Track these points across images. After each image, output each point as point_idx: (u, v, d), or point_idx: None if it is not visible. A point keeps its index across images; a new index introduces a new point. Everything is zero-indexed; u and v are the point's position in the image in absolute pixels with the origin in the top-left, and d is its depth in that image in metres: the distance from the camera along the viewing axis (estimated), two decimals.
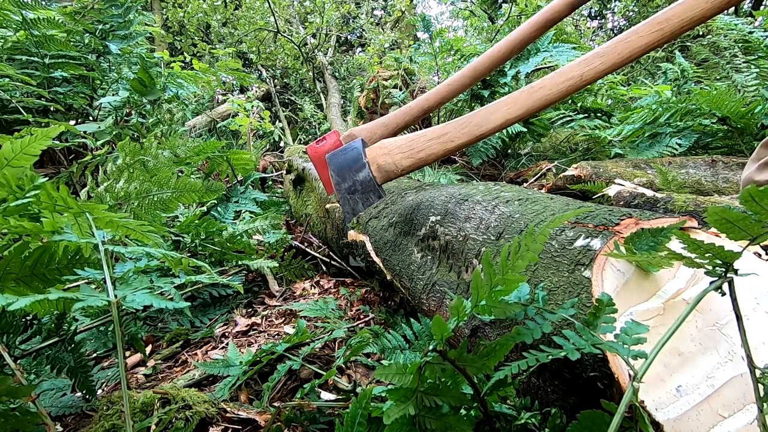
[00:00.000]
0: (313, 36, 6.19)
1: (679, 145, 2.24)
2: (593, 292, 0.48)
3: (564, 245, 0.55)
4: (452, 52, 3.15)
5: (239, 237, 1.38)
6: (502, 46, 1.32)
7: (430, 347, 0.45)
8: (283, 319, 1.21)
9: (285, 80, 6.07)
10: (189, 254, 1.34)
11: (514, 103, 0.92)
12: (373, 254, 0.97)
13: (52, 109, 1.98)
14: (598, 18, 9.98)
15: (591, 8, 9.03)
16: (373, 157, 1.05)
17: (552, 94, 0.90)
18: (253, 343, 1.09)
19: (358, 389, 0.77)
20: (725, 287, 0.39)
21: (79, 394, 0.84)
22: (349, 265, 1.44)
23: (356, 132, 1.31)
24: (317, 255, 1.57)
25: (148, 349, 1.11)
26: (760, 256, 0.54)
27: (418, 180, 1.70)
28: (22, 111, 1.83)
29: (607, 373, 0.44)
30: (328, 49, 6.44)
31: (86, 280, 0.91)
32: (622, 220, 0.53)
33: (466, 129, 0.96)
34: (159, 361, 1.05)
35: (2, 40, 1.90)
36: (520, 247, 0.45)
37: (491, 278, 0.45)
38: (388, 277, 0.93)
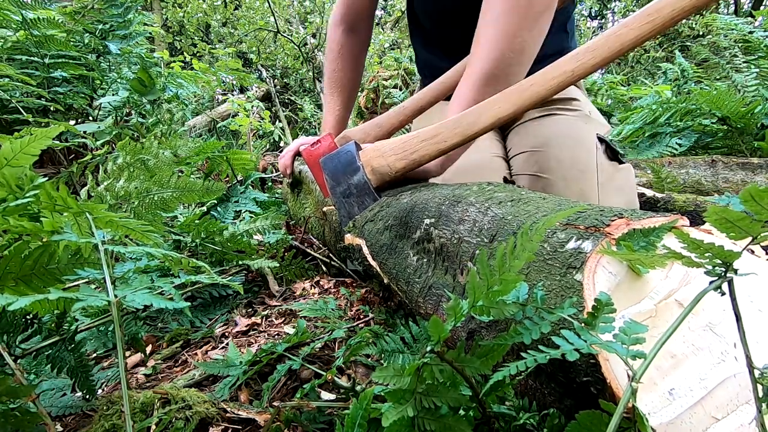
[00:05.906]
0: (313, 36, 6.19)
1: (679, 145, 2.24)
2: (585, 296, 0.47)
3: (556, 248, 0.54)
4: None
5: (240, 237, 1.38)
6: None
7: (428, 348, 0.45)
8: (283, 319, 1.21)
9: (285, 80, 6.07)
10: (189, 254, 1.34)
11: (505, 101, 0.91)
12: (369, 258, 0.97)
13: (52, 109, 1.98)
14: (598, 18, 10.00)
15: (591, 8, 9.04)
16: (367, 160, 1.04)
17: (543, 90, 0.89)
18: (253, 343, 1.09)
19: (358, 387, 0.77)
20: (724, 287, 0.39)
21: (79, 394, 0.84)
22: (347, 268, 1.44)
23: (350, 134, 1.29)
24: (317, 255, 1.57)
25: (148, 349, 1.11)
26: (752, 252, 0.54)
27: None
28: (22, 111, 1.83)
29: (599, 378, 0.44)
30: None
31: (86, 280, 0.91)
32: (612, 220, 0.52)
33: (458, 129, 0.95)
34: (159, 361, 1.05)
35: (2, 40, 1.90)
36: (516, 246, 0.45)
37: (488, 278, 0.45)
38: (385, 281, 0.93)
